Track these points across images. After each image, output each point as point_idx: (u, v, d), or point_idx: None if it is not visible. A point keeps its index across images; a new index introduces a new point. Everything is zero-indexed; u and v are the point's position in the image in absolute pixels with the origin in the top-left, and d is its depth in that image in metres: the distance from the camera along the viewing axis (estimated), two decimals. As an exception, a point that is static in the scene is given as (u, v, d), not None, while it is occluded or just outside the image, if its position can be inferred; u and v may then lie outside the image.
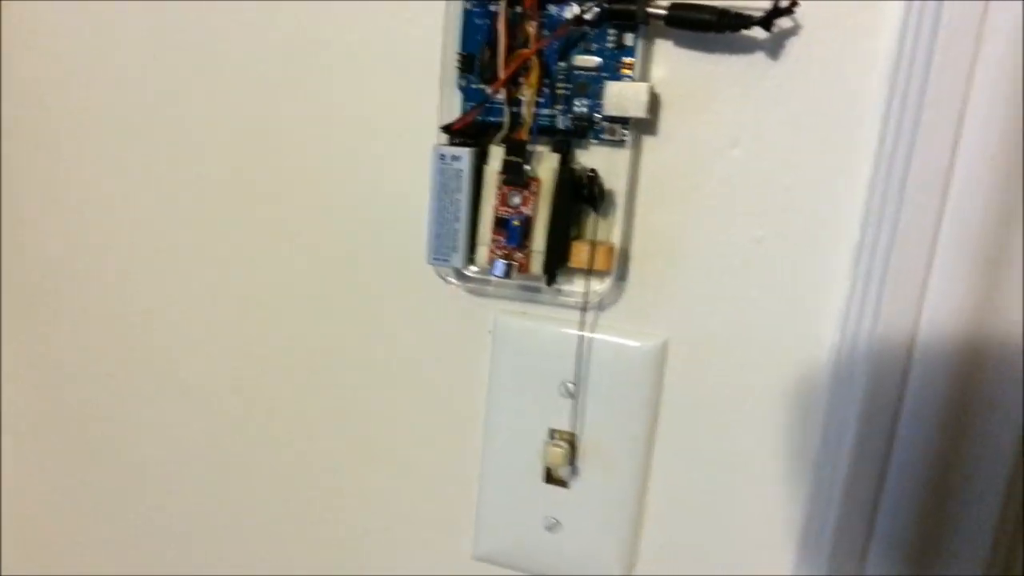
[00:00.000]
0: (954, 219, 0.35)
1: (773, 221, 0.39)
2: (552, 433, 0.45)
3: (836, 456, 0.39)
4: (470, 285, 0.44)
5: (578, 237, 0.42)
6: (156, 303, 0.53)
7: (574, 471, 0.45)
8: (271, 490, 0.53)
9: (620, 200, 0.41)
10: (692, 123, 0.39)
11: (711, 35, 0.37)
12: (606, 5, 0.37)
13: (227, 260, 0.50)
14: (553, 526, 0.46)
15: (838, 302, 0.39)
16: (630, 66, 0.38)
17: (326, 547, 0.53)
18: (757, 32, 0.36)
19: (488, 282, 0.44)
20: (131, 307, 0.53)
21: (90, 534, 0.61)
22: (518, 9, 0.39)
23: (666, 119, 0.40)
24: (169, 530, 0.58)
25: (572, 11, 0.38)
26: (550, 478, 0.45)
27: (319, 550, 0.53)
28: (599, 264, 0.41)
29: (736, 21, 0.35)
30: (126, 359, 0.55)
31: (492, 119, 0.40)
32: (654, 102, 0.39)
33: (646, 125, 0.40)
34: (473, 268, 0.43)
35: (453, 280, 0.44)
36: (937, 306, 0.36)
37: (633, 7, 0.36)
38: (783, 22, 0.36)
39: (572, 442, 0.45)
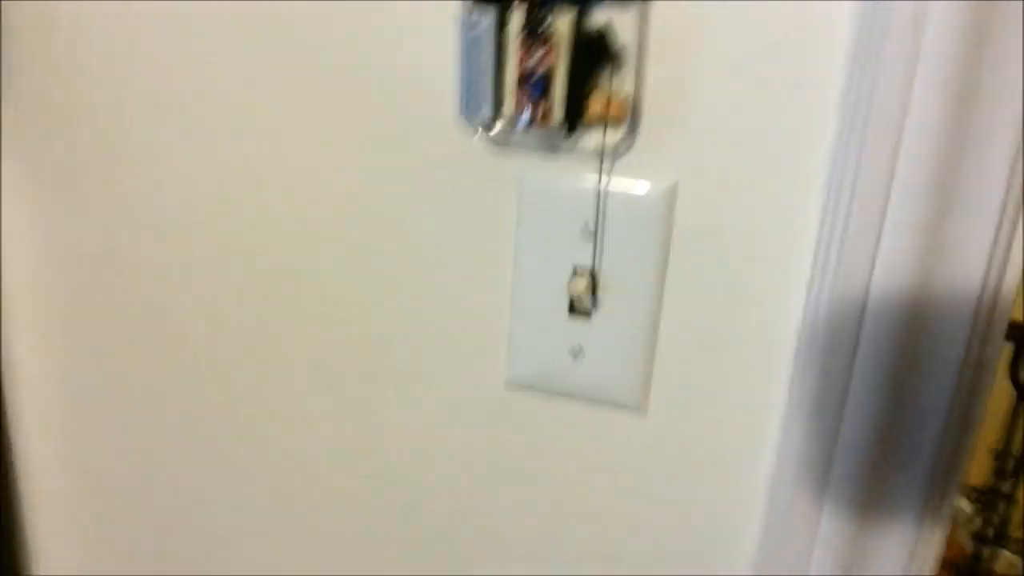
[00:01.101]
0: (928, 60, 0.39)
1: (766, 70, 0.44)
2: (575, 269, 0.51)
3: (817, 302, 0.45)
4: (495, 140, 0.50)
5: (594, 90, 0.46)
6: (196, 155, 0.58)
7: (595, 303, 0.51)
8: (316, 334, 0.60)
9: (631, 55, 0.45)
10: (694, -22, 0.44)
11: None
12: None
13: (270, 131, 0.55)
14: (577, 352, 0.52)
15: (827, 142, 0.44)
16: (637, -74, 0.42)
17: (374, 382, 0.60)
18: None
19: (511, 138, 0.49)
20: (168, 173, 0.59)
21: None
22: None
23: (671, -24, 0.44)
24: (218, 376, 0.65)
25: None
26: (574, 309, 0.52)
27: (368, 385, 0.60)
28: (614, 112, 0.46)
29: None
30: (162, 236, 0.61)
31: (513, -18, 0.45)
32: (660, -40, 0.43)
33: (653, -18, 0.44)
34: (500, 123, 0.48)
35: (482, 137, 0.49)
36: (914, 137, 0.41)
37: None
38: None
39: (593, 276, 0.50)
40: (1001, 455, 1.92)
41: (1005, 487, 1.94)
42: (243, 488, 0.68)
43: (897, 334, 0.44)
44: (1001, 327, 0.44)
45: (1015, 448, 1.91)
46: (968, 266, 0.42)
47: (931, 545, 0.49)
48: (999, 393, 1.90)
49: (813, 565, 0.50)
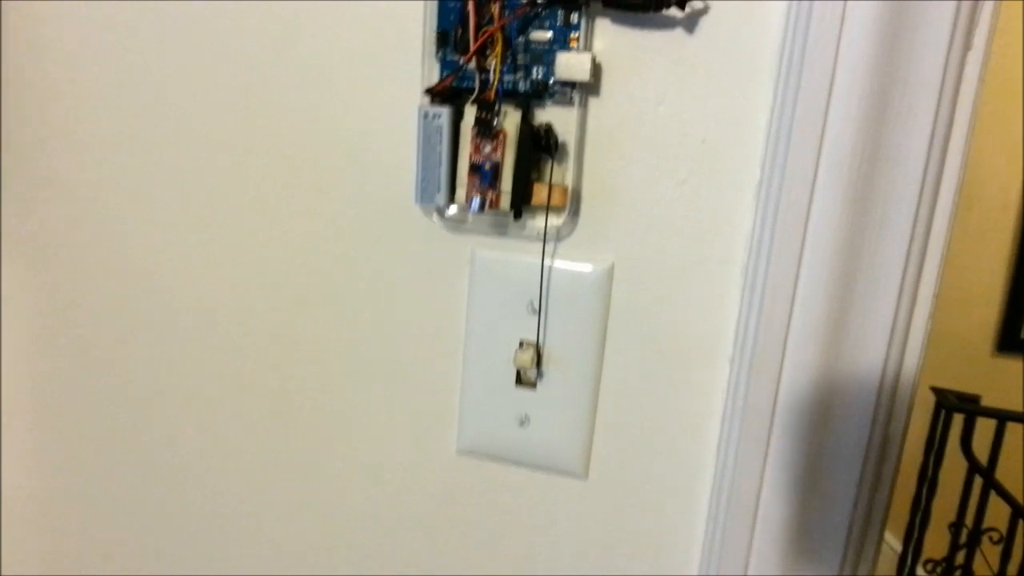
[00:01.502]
0: (829, 162, 0.45)
1: (692, 165, 0.49)
2: (521, 343, 0.55)
3: (742, 359, 0.49)
4: (449, 223, 0.54)
5: (539, 180, 0.51)
6: (161, 249, 0.62)
7: (540, 375, 0.55)
8: (272, 400, 0.63)
9: (572, 150, 0.51)
10: (627, 85, 0.49)
11: (640, 13, 0.47)
12: (554, -10, 0.46)
13: (238, 207, 0.59)
14: (524, 421, 0.56)
15: (746, 228, 0.49)
16: (576, 40, 0.48)
17: (330, 448, 0.63)
18: (675, 11, 0.46)
19: (465, 220, 0.54)
20: (136, 262, 0.63)
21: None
22: (485, -6, 0.48)
23: (606, 82, 0.49)
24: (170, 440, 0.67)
25: (528, -5, 0.47)
26: (520, 380, 0.55)
27: (324, 451, 0.63)
28: (556, 201, 0.51)
29: (658, 2, 0.45)
30: (131, 307, 0.64)
31: (466, 84, 0.50)
32: (596, 69, 0.49)
33: (590, 88, 0.49)
34: (454, 207, 0.53)
35: (436, 219, 0.54)
36: (819, 229, 0.46)
37: (575, -8, 0.46)
38: (695, 3, 0.46)
39: (538, 350, 0.54)
40: (955, 527, 1.95)
41: (960, 559, 1.97)
42: (204, 533, 0.70)
43: (808, 417, 0.48)
44: (904, 405, 0.49)
45: (969, 520, 1.95)
46: (870, 352, 0.47)
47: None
48: (954, 466, 1.95)
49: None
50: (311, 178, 0.57)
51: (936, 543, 2.02)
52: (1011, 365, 2.66)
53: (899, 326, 0.47)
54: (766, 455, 0.50)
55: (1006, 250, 2.65)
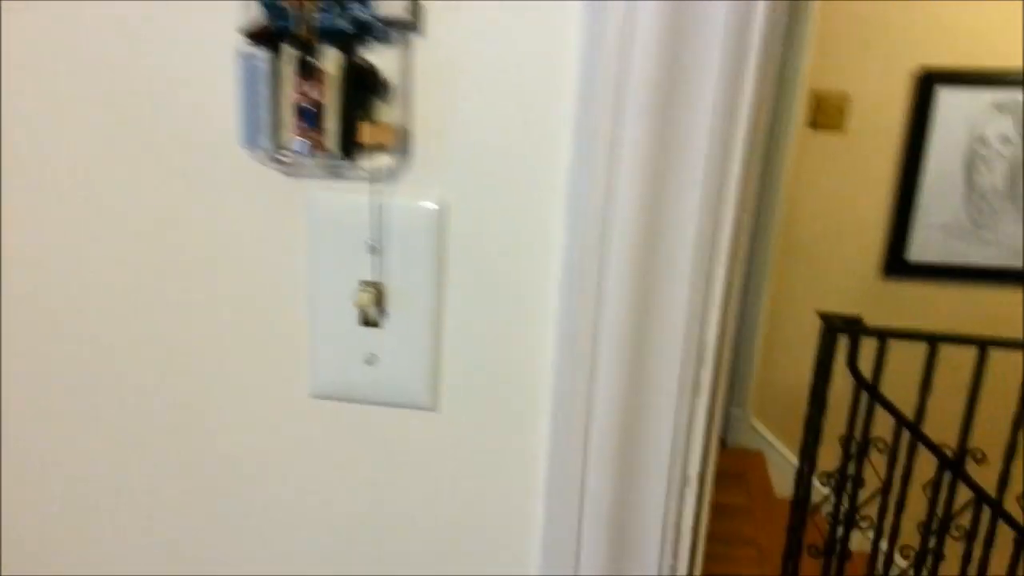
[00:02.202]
0: (633, 86, 0.46)
1: (517, 97, 0.50)
2: (362, 284, 0.55)
3: (568, 284, 0.51)
4: (283, 167, 0.54)
5: (367, 119, 0.51)
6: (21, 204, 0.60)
7: (383, 313, 0.56)
8: (123, 354, 0.62)
9: (399, 88, 0.51)
10: (449, 21, 0.49)
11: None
12: (362, -75, 0.46)
13: (73, 165, 0.58)
14: (371, 359, 0.57)
15: (565, 156, 0.51)
16: (391, -24, 0.48)
17: (183, 399, 0.63)
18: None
19: (300, 164, 0.54)
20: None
21: None
22: (295, -70, 0.47)
23: (431, 20, 0.50)
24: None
25: (337, -69, 0.47)
26: (366, 321, 0.56)
27: (178, 403, 0.63)
28: (384, 139, 0.51)
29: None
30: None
31: (286, 24, 0.49)
32: (418, 5, 0.49)
33: (412, 25, 0.50)
34: (284, 152, 0.52)
35: (270, 164, 0.54)
36: (625, 141, 0.47)
37: (382, -73, 0.46)
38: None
39: (379, 289, 0.55)
40: (846, 440, 2.08)
41: (852, 469, 2.11)
42: (82, 489, 0.69)
43: (628, 331, 0.51)
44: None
45: (857, 433, 2.07)
46: (679, 271, 0.49)
47: (696, 421, 0.54)
48: (841, 382, 2.06)
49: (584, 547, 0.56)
50: (138, 129, 0.56)
51: (830, 456, 2.14)
52: (898, 288, 2.80)
53: (706, 230, 0.49)
54: (593, 371, 0.53)
55: (888, 176, 2.76)
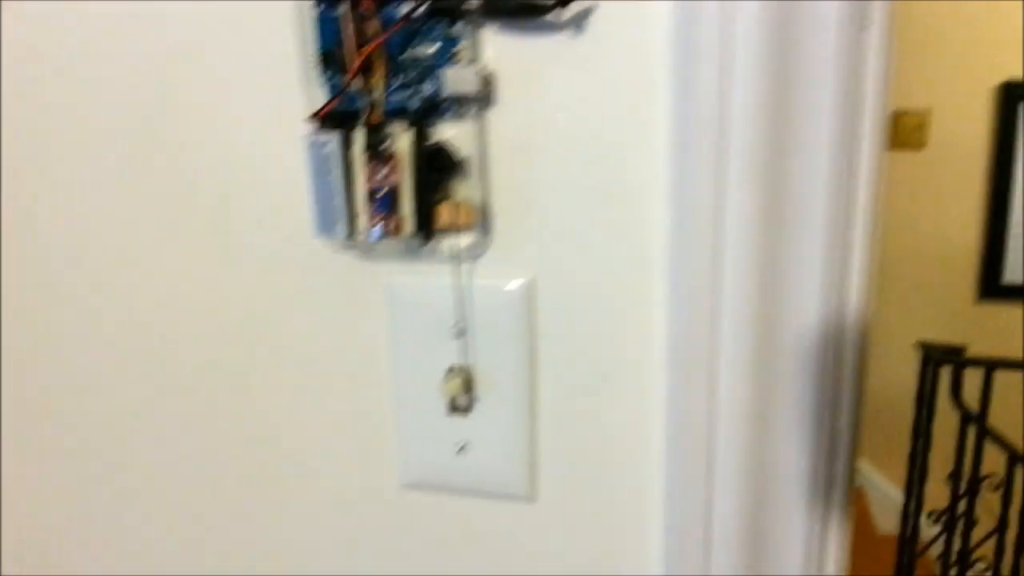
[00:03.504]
0: (736, 150, 0.42)
1: (600, 170, 0.47)
2: (450, 369, 0.52)
3: (674, 364, 0.47)
4: (359, 253, 0.52)
5: (445, 200, 0.49)
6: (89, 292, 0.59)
7: (473, 399, 0.53)
8: (207, 448, 0.60)
9: (475, 165, 0.48)
10: (524, 94, 0.46)
11: (525, 19, 0.44)
12: (430, 3, 0.44)
13: (146, 265, 0.57)
14: (463, 448, 0.54)
15: (661, 234, 0.47)
16: (461, 52, 0.45)
17: (269, 489, 0.60)
18: (555, 16, 0.43)
19: (374, 248, 0.51)
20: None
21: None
22: (361, 10, 0.45)
23: (503, 92, 0.47)
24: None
25: (404, 9, 0.45)
26: (454, 408, 0.53)
27: (263, 493, 0.61)
28: (463, 220, 0.48)
29: (536, 7, 0.43)
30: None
31: (354, 107, 0.47)
32: (488, 80, 0.46)
33: (485, 100, 0.47)
34: (358, 237, 0.50)
35: (344, 250, 0.51)
36: (732, 216, 0.43)
37: (451, 3, 0.43)
38: (577, 3, 0.43)
39: (467, 374, 0.52)
40: (954, 476, 1.95)
41: (962, 507, 1.97)
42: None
43: (748, 411, 0.46)
44: (851, 387, 0.46)
45: (966, 468, 1.94)
46: (803, 327, 0.44)
47: (833, 515, 0.50)
48: (946, 417, 1.94)
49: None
50: (210, 222, 0.55)
51: (938, 493, 2.01)
52: (994, 311, 2.65)
53: (831, 305, 0.44)
54: (711, 456, 0.48)
55: (976, 194, 2.63)
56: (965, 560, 2.01)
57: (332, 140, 0.47)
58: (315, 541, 0.60)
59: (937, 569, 2.07)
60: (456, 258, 0.50)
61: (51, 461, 0.65)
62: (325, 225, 0.48)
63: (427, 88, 0.46)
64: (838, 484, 0.49)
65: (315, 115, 0.47)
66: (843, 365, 0.46)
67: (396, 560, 0.58)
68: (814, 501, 0.49)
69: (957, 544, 2.01)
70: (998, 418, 1.89)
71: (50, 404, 0.64)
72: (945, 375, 1.88)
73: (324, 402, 0.56)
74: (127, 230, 0.56)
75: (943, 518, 2.00)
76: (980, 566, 2.02)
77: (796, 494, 0.49)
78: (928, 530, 2.03)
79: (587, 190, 0.48)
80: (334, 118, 0.47)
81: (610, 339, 0.50)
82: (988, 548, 1.97)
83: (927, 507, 2.01)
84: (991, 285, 2.60)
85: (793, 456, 0.48)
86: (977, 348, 1.90)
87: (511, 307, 0.51)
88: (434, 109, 0.47)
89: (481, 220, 0.49)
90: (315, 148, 0.47)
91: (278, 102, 0.50)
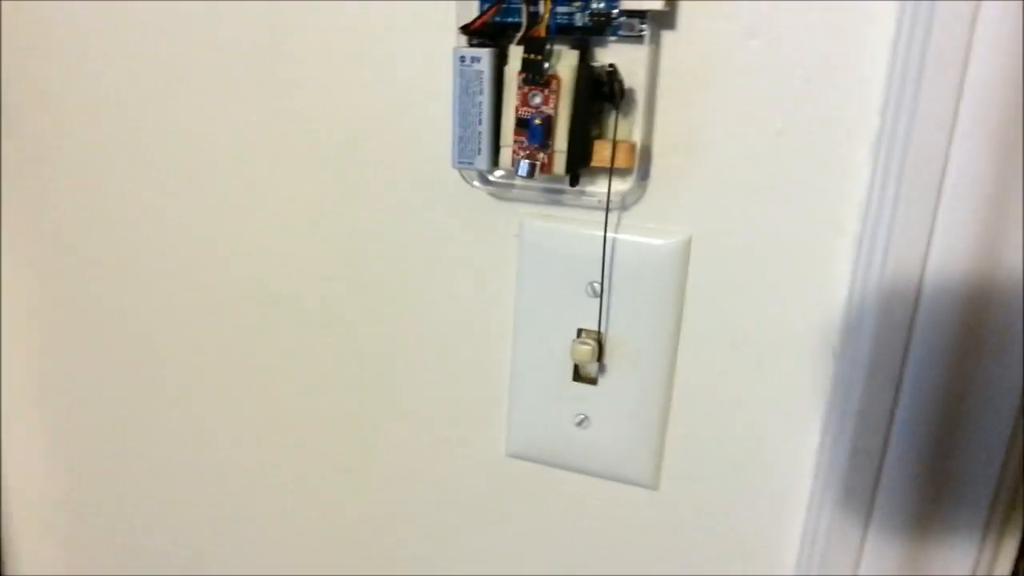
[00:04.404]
0: (973, 103, 0.35)
1: (792, 112, 0.39)
2: (579, 332, 0.46)
3: (856, 349, 0.40)
4: (494, 189, 0.45)
5: (599, 136, 0.42)
6: (191, 223, 0.55)
7: (602, 368, 0.46)
8: (297, 402, 0.56)
9: (640, 97, 0.41)
10: (710, 14, 0.39)
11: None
12: None
13: (259, 178, 0.52)
14: (583, 422, 0.48)
15: (859, 192, 0.39)
16: (646, -42, 0.38)
17: (364, 451, 0.55)
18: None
19: (512, 185, 0.45)
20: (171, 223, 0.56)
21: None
22: (533, -95, 0.38)
23: (684, 12, 0.40)
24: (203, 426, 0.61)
25: (586, -97, 0.38)
26: (578, 376, 0.47)
27: (359, 455, 0.56)
28: (621, 162, 0.41)
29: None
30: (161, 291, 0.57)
31: (510, 19, 0.41)
32: (673, -7, 0.39)
33: (664, 19, 0.40)
34: (498, 171, 0.44)
35: (478, 184, 0.45)
36: (956, 187, 0.36)
37: None
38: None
39: (599, 340, 0.46)
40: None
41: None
42: (231, 524, 0.64)
43: (934, 417, 0.39)
44: None
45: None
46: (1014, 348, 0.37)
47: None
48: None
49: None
50: (332, 141, 0.49)
51: None
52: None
53: None
54: (880, 466, 0.41)
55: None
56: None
57: (484, 56, 0.40)
58: (409, 505, 0.55)
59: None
60: (606, 206, 0.43)
61: (152, 395, 0.62)
62: (465, 154, 0.42)
63: (599, 1, 0.39)
64: (1021, 502, 0.42)
65: (467, 26, 0.41)
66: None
67: (496, 534, 0.53)
68: (991, 523, 0.42)
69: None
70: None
71: (157, 333, 0.60)
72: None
73: (437, 351, 0.51)
74: (248, 151, 0.51)
75: None
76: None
77: (974, 512, 0.41)
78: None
79: (771, 136, 0.40)
80: (488, 32, 0.41)
81: (773, 317, 0.43)
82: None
83: None
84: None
85: (980, 468, 0.40)
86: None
87: (660, 268, 0.44)
88: (603, 26, 0.40)
89: (640, 163, 0.42)
90: (464, 64, 0.40)
91: (423, 8, 0.44)
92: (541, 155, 0.41)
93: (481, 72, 0.40)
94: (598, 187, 0.43)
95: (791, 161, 0.40)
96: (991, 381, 0.39)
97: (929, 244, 0.37)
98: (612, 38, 0.40)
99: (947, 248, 0.37)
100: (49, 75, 0.55)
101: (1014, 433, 0.39)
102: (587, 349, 0.45)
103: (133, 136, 0.54)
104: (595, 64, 0.41)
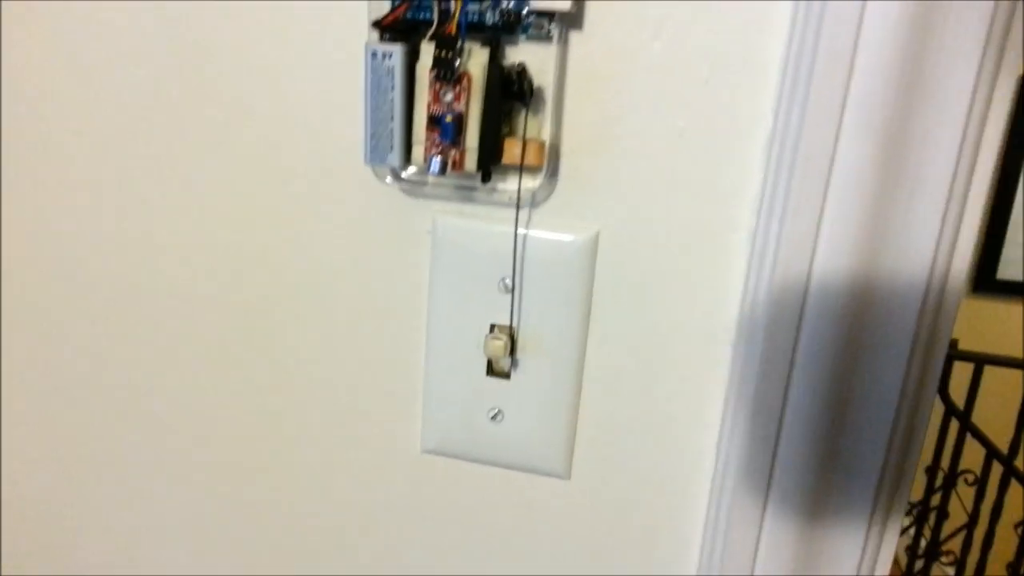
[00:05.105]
0: (857, 98, 0.37)
1: (694, 112, 0.41)
2: (492, 327, 0.47)
3: (750, 340, 0.42)
4: (406, 186, 0.45)
5: (510, 134, 0.43)
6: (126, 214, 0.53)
7: (514, 363, 0.47)
8: (219, 398, 0.55)
9: (549, 95, 0.42)
10: (615, 16, 0.40)
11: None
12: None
13: (178, 181, 0.50)
14: (497, 416, 0.48)
15: (754, 189, 0.41)
16: (554, -40, 0.39)
17: (278, 450, 0.55)
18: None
19: (425, 183, 0.45)
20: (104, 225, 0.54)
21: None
22: (441, -97, 0.39)
23: (591, 13, 0.41)
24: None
25: (494, -96, 0.38)
26: (491, 371, 0.48)
27: (272, 455, 0.55)
28: (531, 160, 0.42)
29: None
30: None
31: (422, 16, 0.41)
32: (581, -6, 0.40)
33: (572, 19, 0.41)
34: (411, 168, 0.44)
35: (390, 181, 0.45)
36: (842, 186, 0.38)
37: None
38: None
39: (512, 335, 0.46)
40: (931, 469, 1.94)
41: (935, 500, 1.97)
42: (187, 528, 0.62)
43: (822, 408, 0.41)
44: (951, 313, 0.41)
45: (944, 463, 1.94)
46: (913, 255, 0.39)
47: (884, 550, 0.46)
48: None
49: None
50: (250, 137, 0.48)
51: (913, 486, 2.01)
52: (987, 306, 2.64)
53: (948, 225, 0.39)
54: (775, 450, 0.44)
55: (986, 189, 2.60)
56: (933, 552, 2.02)
57: (396, 51, 0.40)
58: (328, 505, 0.55)
59: (904, 560, 2.08)
60: (516, 203, 0.44)
61: (65, 404, 0.59)
62: (378, 151, 0.42)
63: (509, 1, 0.40)
64: (905, 480, 0.45)
65: (379, 23, 0.41)
66: (935, 344, 0.41)
67: (412, 529, 0.53)
68: (879, 499, 0.45)
69: (927, 536, 2.02)
70: (983, 413, 1.88)
71: (72, 340, 0.57)
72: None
73: (351, 347, 0.50)
74: (161, 148, 0.50)
75: (915, 510, 2.00)
76: (944, 560, 2.03)
77: (863, 489, 0.44)
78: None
79: (673, 136, 0.42)
80: (400, 27, 0.41)
81: (676, 308, 0.45)
82: (955, 543, 1.99)
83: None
84: (985, 280, 2.59)
85: (867, 449, 0.43)
86: (969, 342, 1.88)
87: (569, 263, 0.45)
88: (514, 25, 0.40)
89: (549, 161, 0.43)
90: (376, 60, 0.40)
91: (335, 5, 0.43)
92: (453, 152, 0.41)
93: (393, 68, 0.40)
94: (509, 184, 0.44)
95: (692, 159, 0.42)
96: (876, 369, 0.41)
97: (816, 240, 0.39)
98: (522, 37, 0.41)
99: (833, 245, 0.39)
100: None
101: (897, 417, 0.42)
102: (500, 344, 0.46)
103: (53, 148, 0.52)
104: (505, 63, 0.41)
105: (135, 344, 0.55)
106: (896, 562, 2.12)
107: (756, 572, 0.46)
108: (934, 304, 0.40)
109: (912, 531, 2.03)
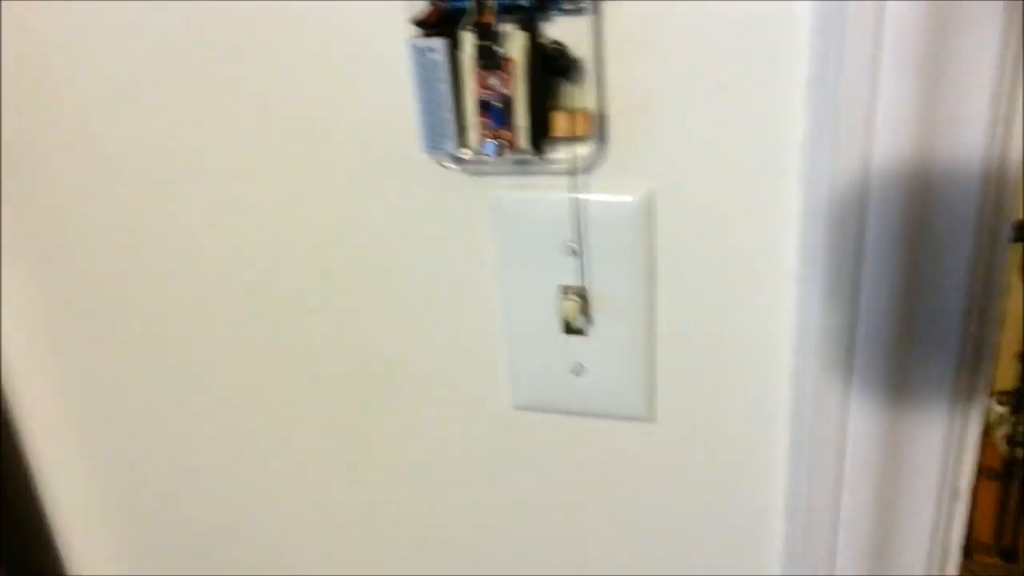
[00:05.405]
0: (892, 42, 0.37)
1: (731, 65, 0.42)
2: (563, 289, 0.49)
3: (813, 275, 0.43)
4: (466, 167, 0.48)
5: (556, 108, 0.44)
6: (175, 217, 0.57)
7: (589, 320, 0.50)
8: (315, 372, 0.59)
9: (589, 66, 0.43)
10: (647, -21, 0.41)
11: None
12: None
13: (241, 184, 0.54)
14: (578, 370, 0.51)
15: (799, 135, 0.42)
16: (579, -66, 0.40)
17: (380, 421, 0.59)
18: None
19: (483, 162, 0.47)
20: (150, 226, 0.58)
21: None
22: None
23: (622, -21, 0.42)
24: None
25: None
26: (569, 329, 0.50)
27: (376, 426, 0.60)
28: (579, 130, 0.44)
29: None
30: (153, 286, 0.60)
31: (459, 4, 0.42)
32: (607, -35, 0.41)
33: (605, -11, 0.42)
34: (466, 151, 0.46)
35: (451, 165, 0.48)
36: (885, 129, 0.38)
37: None
38: None
39: (583, 295, 0.49)
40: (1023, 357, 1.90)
41: (1031, 388, 1.93)
42: (254, 505, 0.68)
43: (902, 212, 0.41)
44: (1014, 189, 0.41)
45: (1038, 349, 1.89)
46: (969, 135, 0.39)
47: (970, 430, 0.47)
48: (1015, 295, 1.87)
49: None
50: (307, 139, 0.51)
51: (1006, 374, 1.97)
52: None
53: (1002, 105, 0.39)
54: (848, 375, 0.45)
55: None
56: (1033, 440, 1.99)
57: (439, 46, 0.42)
58: (427, 463, 0.59)
59: (1003, 450, 2.05)
60: (569, 170, 0.46)
61: (147, 398, 0.65)
62: (433, 140, 0.45)
63: (540, -19, 0.41)
64: (985, 357, 0.45)
65: (420, 19, 0.43)
66: (994, 267, 0.42)
67: (510, 481, 0.58)
68: (953, 417, 0.46)
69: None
70: (1075, 297, 1.82)
71: (147, 334, 0.62)
72: (1016, 251, 1.81)
73: (432, 323, 0.54)
74: (218, 148, 0.53)
75: (1011, 399, 1.97)
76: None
77: (937, 409, 0.45)
78: (996, 412, 2.01)
79: (714, 89, 0.43)
80: (440, 21, 0.43)
81: (736, 255, 0.47)
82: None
83: (996, 388, 1.98)
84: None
85: (935, 368, 0.44)
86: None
87: (628, 222, 0.47)
88: (548, 3, 0.42)
89: (597, 128, 0.45)
90: (420, 55, 0.43)
91: (378, 6, 0.46)
92: (505, 133, 0.44)
93: (437, 61, 0.43)
94: (562, 153, 0.46)
95: (735, 109, 0.43)
96: (940, 258, 0.41)
97: (869, 155, 0.40)
98: (556, 13, 0.43)
99: (883, 165, 0.39)
100: (49, 75, 0.55)
101: (969, 288, 0.42)
102: (572, 304, 0.49)
103: (117, 135, 0.56)
104: (543, 41, 0.43)
105: (215, 342, 0.60)
106: (995, 449, 2.10)
107: (846, 466, 0.47)
108: (995, 181, 0.40)
109: (1010, 420, 2.00)
